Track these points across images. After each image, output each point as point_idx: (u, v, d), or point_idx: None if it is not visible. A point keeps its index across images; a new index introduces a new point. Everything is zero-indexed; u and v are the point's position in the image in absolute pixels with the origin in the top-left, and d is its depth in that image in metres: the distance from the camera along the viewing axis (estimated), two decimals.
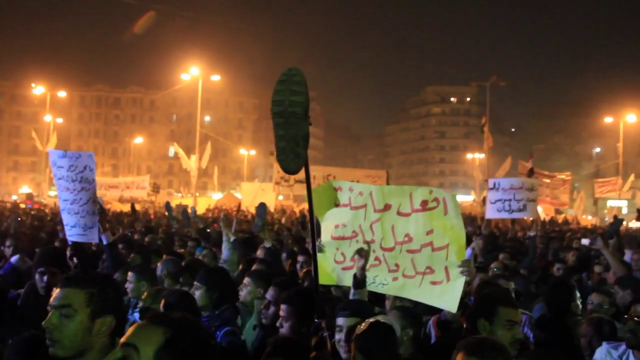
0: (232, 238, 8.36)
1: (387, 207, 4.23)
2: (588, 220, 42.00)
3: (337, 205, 4.49)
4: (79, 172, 6.03)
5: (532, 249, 9.13)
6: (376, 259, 4.26)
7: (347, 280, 4.29)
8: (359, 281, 4.15)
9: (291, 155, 3.35)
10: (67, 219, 6.11)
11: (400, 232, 4.15)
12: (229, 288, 5.01)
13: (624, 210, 43.94)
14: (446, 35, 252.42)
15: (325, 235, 4.45)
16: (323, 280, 4.39)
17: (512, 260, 8.78)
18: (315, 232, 3.67)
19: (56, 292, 2.67)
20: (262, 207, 9.60)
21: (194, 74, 43.37)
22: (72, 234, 6.07)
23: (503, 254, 8.83)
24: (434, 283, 3.95)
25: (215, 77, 46.52)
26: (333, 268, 4.49)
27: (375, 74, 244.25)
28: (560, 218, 31.37)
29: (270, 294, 4.66)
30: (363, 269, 4.13)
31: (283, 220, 24.20)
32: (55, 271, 5.08)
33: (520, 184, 9.85)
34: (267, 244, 8.44)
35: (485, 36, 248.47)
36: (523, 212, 9.79)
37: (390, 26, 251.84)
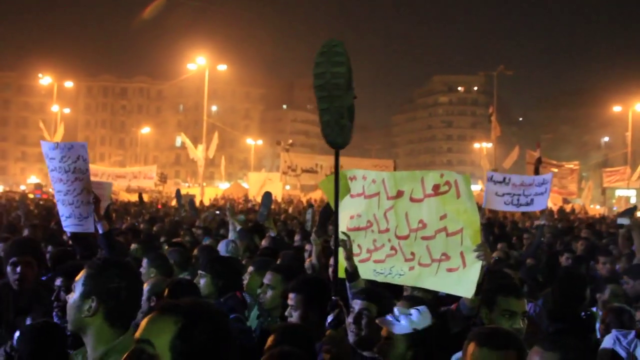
0: (238, 227, 8.38)
1: (399, 194, 4.13)
2: (596, 209, 41.83)
3: (351, 195, 4.42)
4: (72, 162, 6.02)
5: (537, 238, 9.13)
6: (392, 248, 4.17)
7: (364, 273, 4.22)
8: (351, 274, 4.10)
9: (336, 129, 3.23)
10: (62, 210, 6.12)
11: (414, 219, 4.04)
12: (234, 276, 5.02)
13: (633, 200, 43.81)
14: (453, 24, 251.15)
15: (341, 227, 4.27)
16: (340, 273, 4.34)
17: (511, 249, 8.87)
18: (334, 223, 3.59)
19: None
20: (267, 196, 9.61)
21: (201, 64, 43.35)
22: (67, 225, 6.08)
23: (501, 244, 8.91)
24: (450, 270, 3.84)
25: (222, 67, 46.48)
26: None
27: (382, 63, 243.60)
28: (568, 207, 31.24)
29: (267, 278, 4.66)
30: (349, 259, 4.07)
31: (290, 210, 24.22)
32: (30, 260, 4.66)
33: (531, 181, 9.91)
34: (273, 233, 8.44)
35: (492, 25, 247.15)
36: (530, 205, 9.88)
37: (397, 15, 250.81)
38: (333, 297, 3.19)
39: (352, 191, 4.40)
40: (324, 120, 3.26)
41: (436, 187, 3.95)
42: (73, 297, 2.70)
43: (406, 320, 3.09)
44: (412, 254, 4.08)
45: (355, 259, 4.22)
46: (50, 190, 46.94)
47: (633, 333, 3.96)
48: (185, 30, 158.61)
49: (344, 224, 4.38)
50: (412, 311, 3.17)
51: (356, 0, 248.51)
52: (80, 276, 2.74)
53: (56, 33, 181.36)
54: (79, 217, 5.96)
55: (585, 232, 13.37)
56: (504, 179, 10.24)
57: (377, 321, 3.18)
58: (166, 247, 8.10)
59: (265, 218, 9.24)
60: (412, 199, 4.08)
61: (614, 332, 4.15)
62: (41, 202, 24.62)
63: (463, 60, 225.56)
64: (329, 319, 3.10)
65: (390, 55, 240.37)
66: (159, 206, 25.73)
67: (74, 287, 2.73)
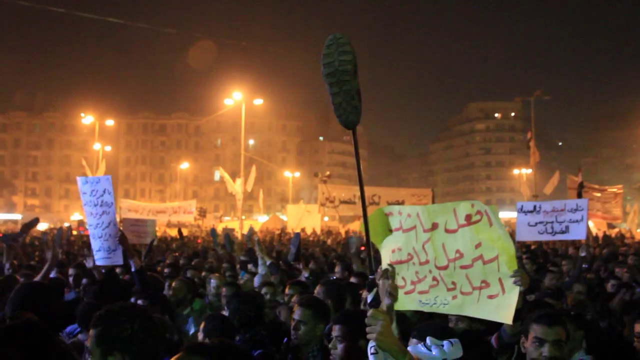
0: (269, 262, 8.51)
1: (434, 226, 4.20)
2: None
3: (390, 230, 4.49)
4: (99, 196, 6.17)
5: (577, 270, 8.99)
6: (434, 279, 4.22)
7: (410, 304, 4.31)
8: (373, 304, 4.11)
9: (349, 108, 3.37)
10: (94, 244, 6.28)
11: (451, 249, 4.10)
12: (255, 311, 5.05)
13: None
14: (488, 51, 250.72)
15: (385, 262, 4.43)
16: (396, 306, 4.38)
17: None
18: (373, 258, 3.62)
19: None
20: (296, 236, 9.54)
21: (237, 99, 43.98)
22: (98, 258, 6.21)
23: (552, 273, 8.84)
24: (491, 297, 3.89)
25: (258, 101, 47.06)
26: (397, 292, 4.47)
27: (418, 92, 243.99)
28: (613, 233, 30.54)
29: (297, 314, 4.60)
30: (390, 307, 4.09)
31: (329, 242, 24.18)
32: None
33: (562, 206, 9.66)
34: (306, 274, 8.45)
35: (528, 50, 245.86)
36: (566, 234, 9.59)
37: (432, 44, 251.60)
38: (370, 276, 3.20)
39: (392, 226, 4.48)
40: (336, 103, 3.40)
41: (468, 217, 4.01)
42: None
43: (437, 351, 3.09)
44: (454, 283, 4.12)
45: (401, 291, 4.27)
46: None
47: None
48: (222, 66, 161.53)
49: (386, 259, 4.47)
50: (445, 342, 3.17)
51: (389, 31, 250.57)
52: (90, 340, 2.71)
53: (97, 73, 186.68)
54: (108, 249, 6.08)
55: (632, 258, 13.04)
56: (535, 207, 10.03)
57: (409, 349, 3.15)
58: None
59: (295, 258, 9.22)
60: (447, 230, 4.14)
61: None
62: (84, 239, 25.05)
63: (499, 86, 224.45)
64: (369, 298, 3.10)
65: (426, 83, 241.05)
66: (199, 241, 25.95)
67: (90, 350, 2.70)
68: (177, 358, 1.96)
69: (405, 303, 4.34)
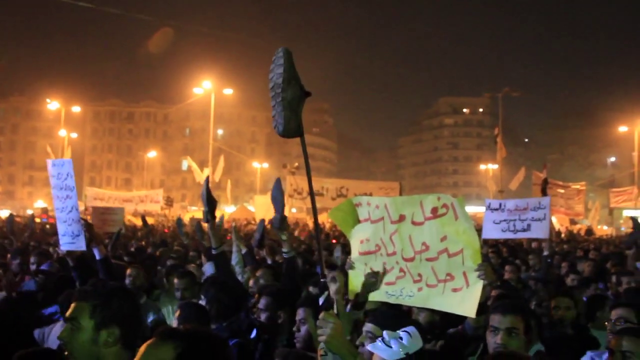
0: (244, 250, 8.39)
1: (402, 218, 4.24)
2: (604, 230, 41.61)
3: (359, 221, 4.53)
4: (64, 179, 6.08)
5: (543, 268, 9.13)
6: (400, 270, 4.25)
7: (376, 295, 4.33)
8: (360, 303, 4.19)
9: (279, 119, 3.56)
10: (60, 228, 6.18)
11: (418, 241, 4.14)
12: (233, 300, 5.04)
13: None
14: (458, 46, 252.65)
15: (354, 252, 4.49)
16: (353, 295, 4.41)
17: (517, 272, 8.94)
18: (323, 264, 3.71)
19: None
20: (261, 223, 9.67)
21: (207, 88, 43.66)
22: (63, 243, 6.12)
23: (510, 266, 9.04)
24: (455, 290, 3.93)
25: (228, 91, 46.83)
26: (361, 284, 4.50)
27: (388, 86, 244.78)
28: (575, 229, 31.13)
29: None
30: (365, 295, 4.20)
31: (296, 233, 24.19)
32: None
33: (525, 205, 9.75)
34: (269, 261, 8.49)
35: (497, 47, 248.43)
36: (527, 232, 9.67)
37: (402, 38, 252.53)
38: (322, 280, 3.25)
39: (360, 217, 4.51)
40: (273, 114, 3.61)
41: (434, 210, 4.05)
42: (80, 333, 2.65)
43: (397, 345, 3.02)
44: (420, 275, 4.15)
45: (358, 293, 4.32)
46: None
47: (606, 353, 3.96)
48: (192, 55, 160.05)
49: (356, 249, 4.51)
50: (402, 334, 3.07)
51: (361, 25, 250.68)
52: (80, 309, 2.69)
53: (64, 58, 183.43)
54: (72, 234, 5.99)
55: (593, 253, 13.35)
56: (500, 205, 10.14)
57: (368, 347, 3.13)
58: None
59: (259, 244, 9.28)
60: (413, 222, 4.18)
61: (588, 353, 4.25)
62: (47, 226, 24.64)
63: (468, 82, 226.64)
64: (321, 300, 3.13)
65: (396, 77, 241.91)
66: (166, 230, 25.72)
67: (74, 322, 2.68)
68: (149, 343, 1.95)
69: (373, 294, 4.36)
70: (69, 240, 6.03)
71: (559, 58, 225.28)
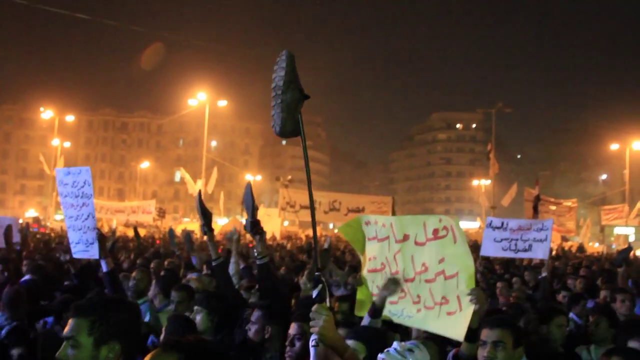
0: (242, 265, 8.11)
1: (405, 238, 4.30)
2: (595, 247, 41.74)
3: (368, 239, 4.63)
4: (80, 187, 6.12)
5: (542, 290, 9.08)
6: (402, 290, 4.30)
7: (384, 312, 4.35)
8: (377, 310, 4.20)
9: (278, 120, 3.59)
10: (72, 236, 6.19)
11: (418, 262, 4.18)
12: (230, 313, 5.03)
13: (631, 238, 43.66)
14: (452, 62, 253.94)
15: (364, 269, 4.59)
16: (360, 312, 4.43)
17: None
18: (318, 257, 3.72)
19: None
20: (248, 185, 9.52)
21: (201, 99, 43.68)
22: (76, 251, 6.14)
23: (516, 279, 9.07)
24: (449, 314, 3.94)
25: (222, 103, 46.82)
26: (371, 300, 4.52)
27: (381, 100, 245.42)
28: (567, 246, 31.18)
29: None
30: (384, 299, 4.21)
31: (289, 247, 24.15)
32: None
33: (528, 225, 9.78)
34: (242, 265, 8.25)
35: (491, 63, 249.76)
36: (528, 252, 9.71)
37: (396, 53, 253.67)
38: (316, 273, 3.26)
39: (367, 235, 4.56)
40: (272, 114, 3.66)
41: (435, 232, 4.09)
42: (79, 351, 2.55)
43: (411, 358, 3.14)
44: (419, 296, 4.20)
45: (374, 299, 4.34)
46: (49, 224, 46.91)
47: None
48: (186, 67, 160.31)
49: (365, 267, 4.63)
50: (412, 346, 3.20)
51: (355, 39, 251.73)
52: (77, 326, 2.59)
53: (59, 67, 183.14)
54: (86, 242, 6.03)
55: (584, 270, 13.37)
56: (502, 223, 10.14)
57: (381, 356, 3.20)
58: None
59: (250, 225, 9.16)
60: (416, 243, 4.23)
61: None
62: (38, 236, 24.53)
63: (461, 97, 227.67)
64: (314, 294, 3.15)
65: (389, 92, 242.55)
66: (158, 242, 25.62)
67: (75, 340, 2.56)
68: (153, 354, 1.97)
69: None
70: (83, 248, 6.05)
71: (552, 75, 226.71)
